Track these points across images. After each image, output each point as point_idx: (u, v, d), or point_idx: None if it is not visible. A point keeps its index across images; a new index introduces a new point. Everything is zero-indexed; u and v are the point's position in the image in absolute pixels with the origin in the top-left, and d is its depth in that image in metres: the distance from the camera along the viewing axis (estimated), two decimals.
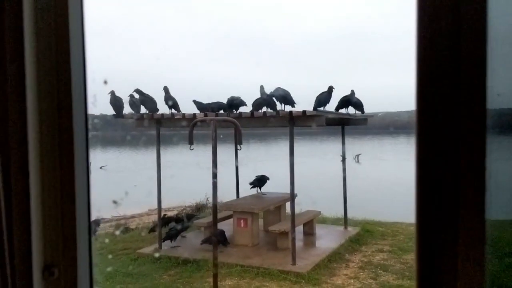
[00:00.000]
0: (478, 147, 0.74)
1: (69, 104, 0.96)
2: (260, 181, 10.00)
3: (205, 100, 9.43)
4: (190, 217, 9.98)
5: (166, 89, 9.21)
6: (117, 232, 10.42)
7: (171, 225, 9.32)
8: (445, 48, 0.75)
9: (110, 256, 8.47)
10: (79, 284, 1.01)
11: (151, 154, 9.74)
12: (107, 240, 9.69)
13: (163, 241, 8.68)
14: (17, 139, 0.93)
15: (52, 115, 0.97)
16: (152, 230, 9.54)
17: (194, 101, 9.39)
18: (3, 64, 0.91)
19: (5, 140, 0.91)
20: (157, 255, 8.23)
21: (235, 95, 9.10)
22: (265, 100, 8.77)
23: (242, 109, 8.78)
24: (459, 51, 0.75)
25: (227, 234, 8.68)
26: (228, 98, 9.08)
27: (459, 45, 0.75)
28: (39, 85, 0.96)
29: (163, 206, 9.33)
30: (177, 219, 9.55)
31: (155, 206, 9.32)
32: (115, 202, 11.73)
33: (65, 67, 0.96)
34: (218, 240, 8.32)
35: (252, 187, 10.20)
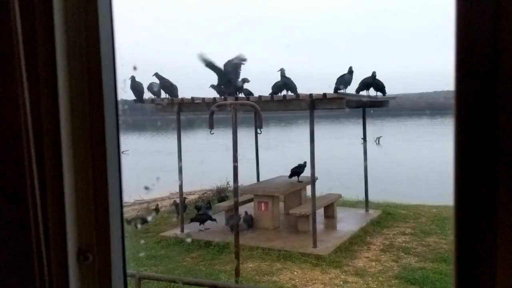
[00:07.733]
0: None
1: (99, 89, 0.97)
2: (300, 167, 9.67)
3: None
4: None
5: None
6: (144, 216, 10.62)
7: (203, 208, 9.52)
8: (485, 28, 0.73)
9: (134, 240, 8.65)
10: (113, 267, 1.03)
11: (173, 138, 9.82)
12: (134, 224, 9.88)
13: (190, 222, 8.83)
14: (50, 125, 0.94)
15: (83, 101, 0.98)
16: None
17: (212, 86, 9.33)
18: (34, 51, 0.92)
19: (39, 127, 0.92)
20: (189, 240, 8.35)
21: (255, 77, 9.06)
22: (285, 83, 8.71)
23: (261, 92, 8.73)
24: (497, 32, 0.72)
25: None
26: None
27: (499, 25, 0.72)
28: (70, 71, 0.97)
29: (185, 189, 9.45)
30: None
31: (177, 189, 9.44)
32: (146, 188, 11.92)
33: (95, 52, 0.96)
34: (248, 223, 8.44)
35: (290, 176, 9.78)
